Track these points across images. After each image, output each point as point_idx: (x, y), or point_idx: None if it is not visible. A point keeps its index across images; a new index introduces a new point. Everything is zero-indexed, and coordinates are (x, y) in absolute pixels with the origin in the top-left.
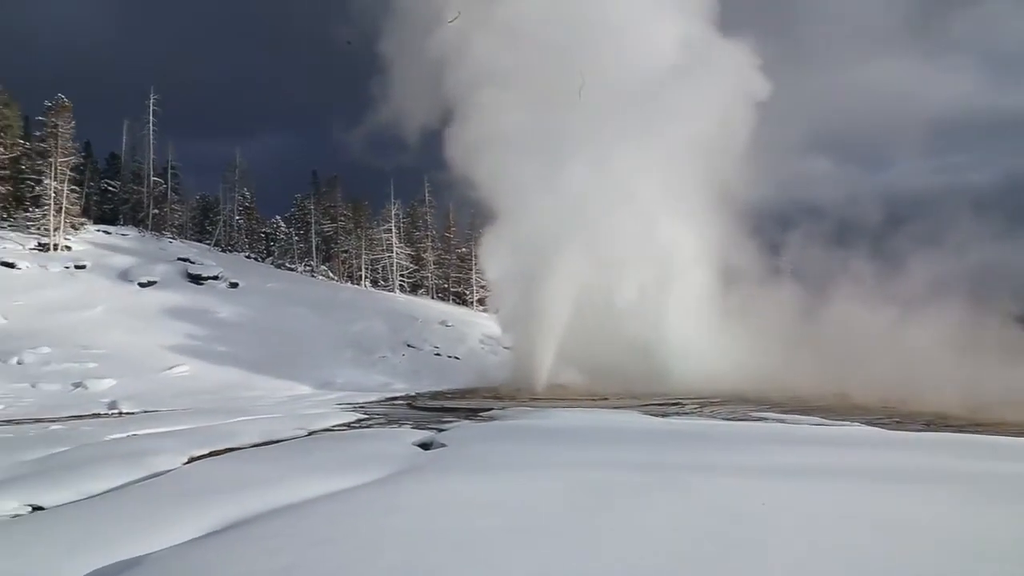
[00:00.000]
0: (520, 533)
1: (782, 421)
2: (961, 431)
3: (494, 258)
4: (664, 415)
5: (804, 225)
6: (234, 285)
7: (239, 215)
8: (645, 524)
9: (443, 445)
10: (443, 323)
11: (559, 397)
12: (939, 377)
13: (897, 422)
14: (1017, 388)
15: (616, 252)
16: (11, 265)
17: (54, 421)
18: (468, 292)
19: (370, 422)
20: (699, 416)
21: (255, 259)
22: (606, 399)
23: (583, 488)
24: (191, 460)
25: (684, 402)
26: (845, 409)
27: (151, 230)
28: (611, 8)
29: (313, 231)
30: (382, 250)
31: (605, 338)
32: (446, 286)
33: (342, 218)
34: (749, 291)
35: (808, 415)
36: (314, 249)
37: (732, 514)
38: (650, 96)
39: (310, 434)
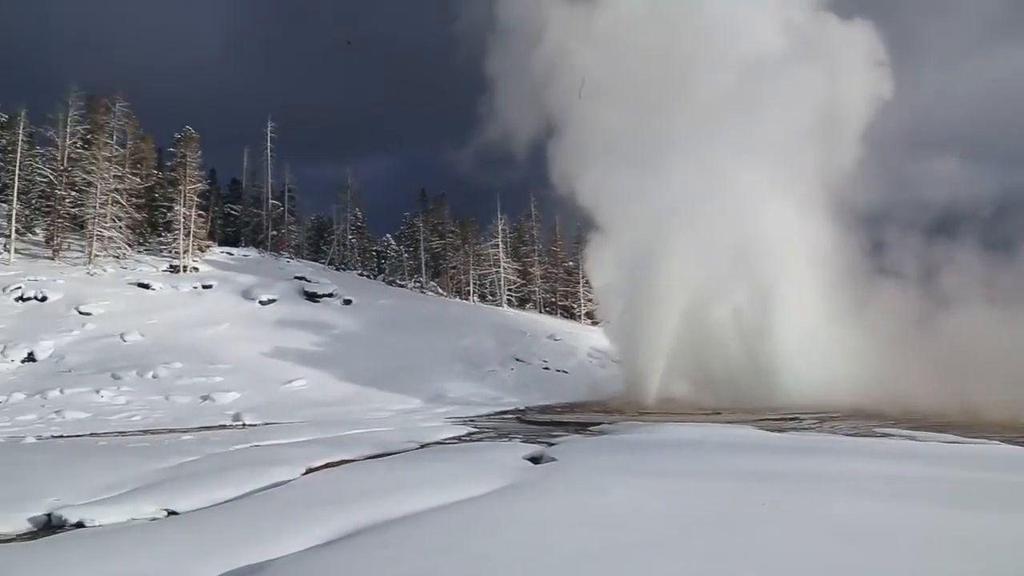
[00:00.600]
0: (635, 551)
1: (911, 438)
2: None
3: (600, 269)
4: (781, 430)
5: (922, 225)
6: (348, 302)
7: (351, 234)
8: (764, 547)
9: (553, 459)
10: (551, 337)
11: (669, 411)
12: None
13: None
14: None
15: (722, 257)
16: (147, 286)
17: (185, 432)
18: (576, 305)
19: (480, 436)
20: (819, 431)
21: (367, 276)
22: (718, 413)
23: (699, 506)
24: (309, 470)
25: (801, 416)
26: (979, 426)
27: (270, 250)
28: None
29: (422, 248)
30: (489, 265)
31: (715, 350)
32: (553, 300)
33: (450, 234)
34: (864, 296)
35: (939, 431)
36: (423, 265)
37: (848, 536)
38: (754, 89)
39: (422, 447)
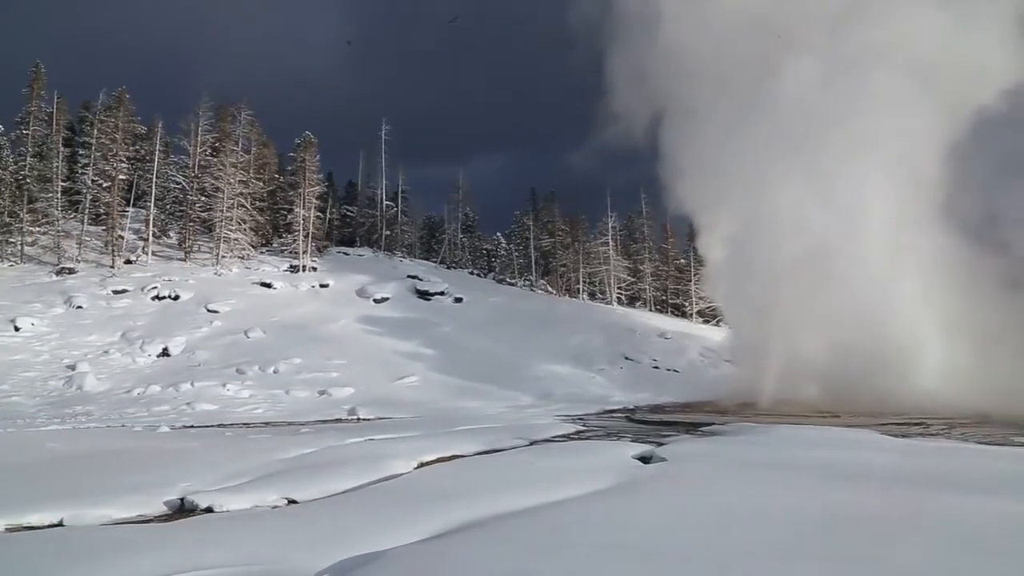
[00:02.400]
0: (747, 554)
1: None
2: None
3: (715, 267)
4: (905, 436)
5: None
6: (458, 300)
7: (462, 233)
8: (885, 557)
9: (663, 459)
10: (661, 335)
11: (784, 413)
12: None
13: None
14: None
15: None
16: (268, 285)
17: (304, 425)
18: (687, 304)
19: (589, 434)
20: (947, 439)
21: (477, 275)
22: (838, 416)
23: (814, 511)
24: (421, 465)
25: (929, 422)
26: None
27: (383, 250)
28: None
29: (532, 246)
30: (599, 263)
31: (833, 351)
32: (664, 298)
33: (560, 233)
34: (993, 301)
35: None
36: (533, 264)
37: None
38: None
39: (531, 444)
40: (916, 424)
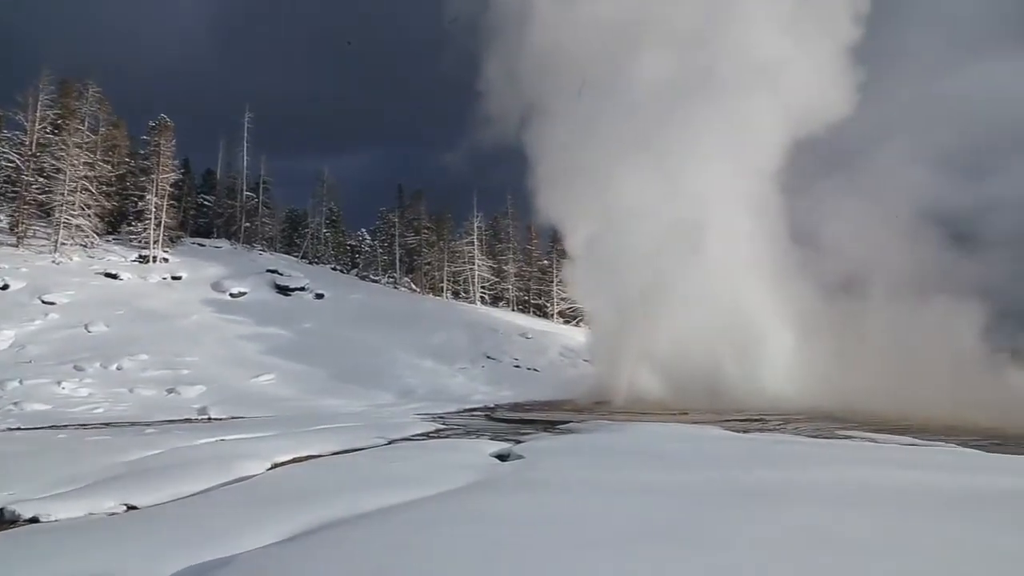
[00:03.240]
0: (596, 549)
1: (872, 440)
2: None
3: (574, 268)
4: (745, 431)
5: (899, 234)
6: (320, 296)
7: (326, 228)
8: (730, 549)
9: (520, 457)
10: (523, 335)
11: (638, 411)
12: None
13: (996, 444)
14: None
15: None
16: (114, 276)
17: (148, 425)
18: (549, 304)
19: (448, 432)
20: (782, 433)
21: (340, 271)
22: (686, 413)
23: (664, 506)
24: (275, 466)
25: (767, 418)
26: (937, 429)
27: (242, 243)
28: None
29: (397, 243)
30: (464, 262)
31: (683, 352)
32: (527, 298)
33: (425, 231)
34: (827, 305)
35: (899, 434)
36: (397, 261)
37: (815, 539)
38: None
39: (389, 443)
40: (756, 420)
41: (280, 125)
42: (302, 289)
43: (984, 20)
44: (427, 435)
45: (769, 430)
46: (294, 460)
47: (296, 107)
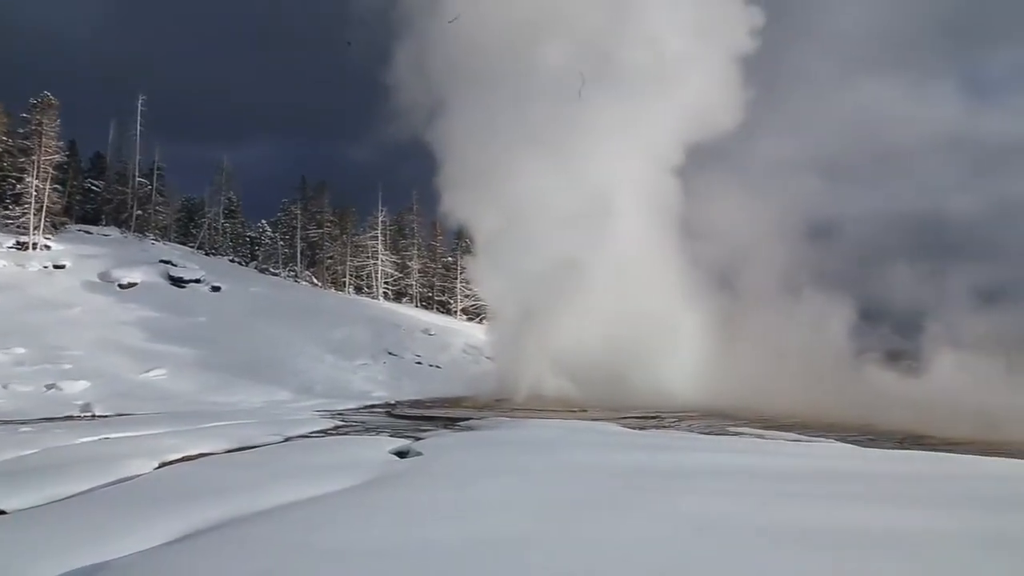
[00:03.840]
0: (494, 544)
1: (760, 436)
2: (934, 450)
3: (479, 263)
4: (641, 428)
5: (792, 243)
6: (216, 289)
7: (224, 218)
8: (623, 538)
9: (419, 454)
10: (426, 331)
11: (538, 408)
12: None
13: (871, 439)
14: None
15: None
16: None
17: (24, 423)
18: (452, 301)
19: (347, 429)
20: (676, 429)
21: (239, 263)
22: (585, 410)
23: (561, 500)
24: (163, 465)
25: (663, 415)
26: (821, 426)
27: (134, 231)
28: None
29: (299, 236)
30: (367, 257)
31: (582, 350)
32: (430, 295)
33: (328, 224)
34: (722, 306)
35: (785, 431)
36: (299, 254)
37: (697, 527)
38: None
39: (286, 440)
40: (652, 417)
41: (179, 110)
42: (197, 281)
43: (869, 42)
44: (325, 432)
45: (664, 427)
46: (184, 458)
47: (197, 92)
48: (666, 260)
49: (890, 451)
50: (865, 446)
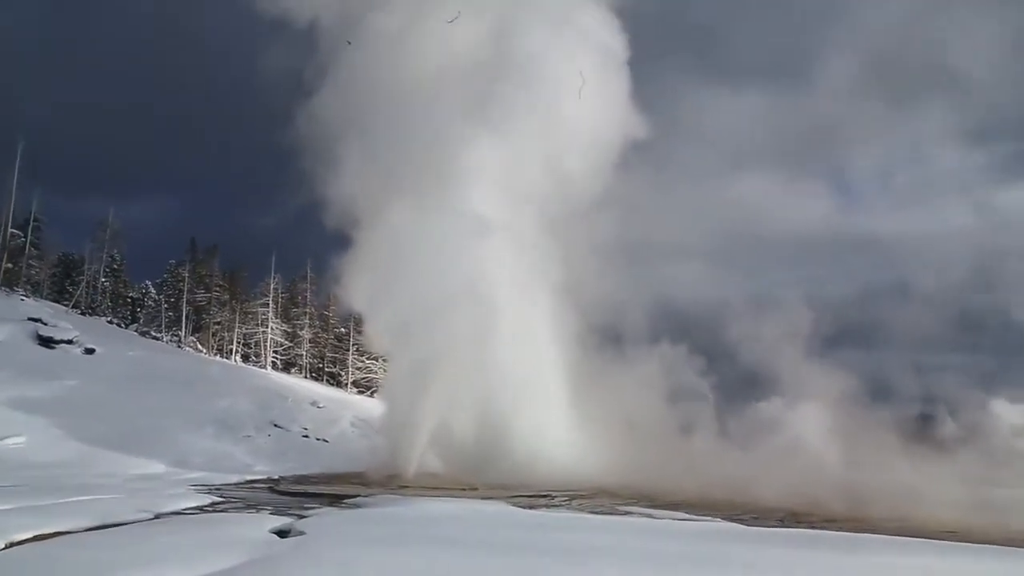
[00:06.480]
0: None
1: (648, 515)
2: (812, 527)
3: (372, 338)
4: (532, 507)
5: (667, 325)
6: (90, 351)
7: (105, 277)
8: None
9: (302, 533)
10: (314, 404)
11: (428, 486)
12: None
13: (754, 518)
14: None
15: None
16: None
17: None
18: (343, 373)
19: (225, 506)
20: (568, 509)
21: (118, 325)
22: (475, 489)
23: None
24: (10, 545)
25: (553, 494)
26: (705, 505)
27: (2, 286)
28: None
29: (185, 300)
30: (256, 324)
31: (474, 427)
32: (321, 365)
33: (217, 288)
34: (605, 385)
35: (673, 510)
36: (184, 318)
37: None
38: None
39: (156, 517)
40: (543, 496)
41: (64, 160)
42: (69, 342)
43: (746, 141)
44: (201, 508)
45: (555, 506)
46: (37, 537)
47: (84, 138)
48: (550, 326)
49: (777, 529)
50: (749, 524)
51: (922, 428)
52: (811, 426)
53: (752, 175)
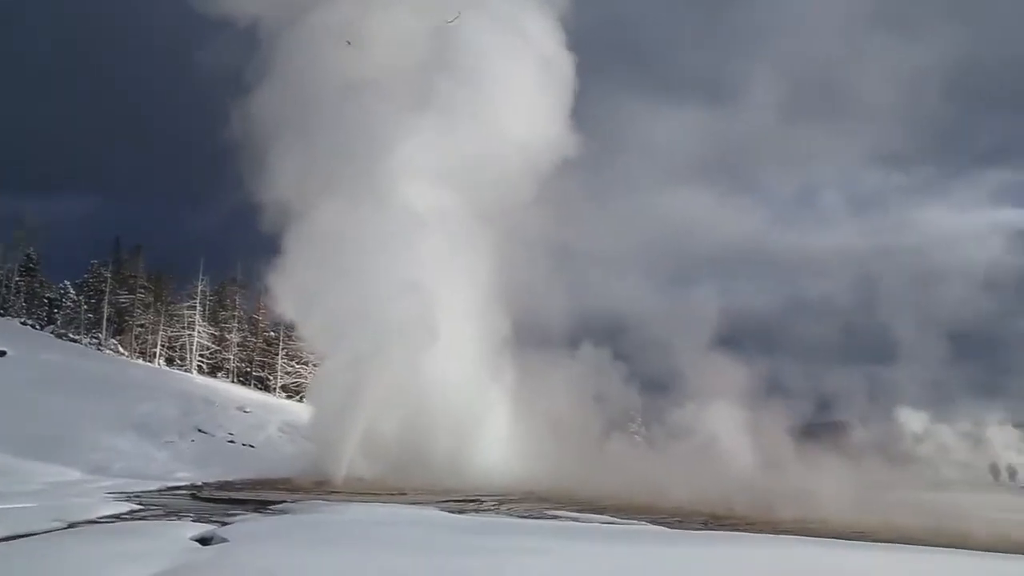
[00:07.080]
0: None
1: (575, 519)
2: (735, 529)
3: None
4: (462, 511)
5: (594, 330)
6: (1, 354)
7: (19, 276)
8: None
9: (225, 540)
10: (241, 408)
11: (356, 490)
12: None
13: (679, 521)
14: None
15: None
16: None
17: None
18: (272, 377)
19: (144, 514)
20: (496, 513)
21: (32, 326)
22: (404, 493)
23: None
24: None
25: (483, 499)
26: (633, 509)
27: None
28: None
29: (107, 301)
30: (182, 327)
31: (402, 431)
32: (249, 370)
33: (141, 290)
34: (544, 394)
35: (599, 513)
36: (105, 320)
37: None
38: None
39: (70, 527)
40: (472, 500)
41: None
42: None
43: (680, 155)
44: (118, 517)
45: (484, 510)
46: None
47: (4, 136)
48: (482, 334)
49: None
50: (674, 527)
51: (835, 434)
52: (727, 431)
53: (684, 189)
